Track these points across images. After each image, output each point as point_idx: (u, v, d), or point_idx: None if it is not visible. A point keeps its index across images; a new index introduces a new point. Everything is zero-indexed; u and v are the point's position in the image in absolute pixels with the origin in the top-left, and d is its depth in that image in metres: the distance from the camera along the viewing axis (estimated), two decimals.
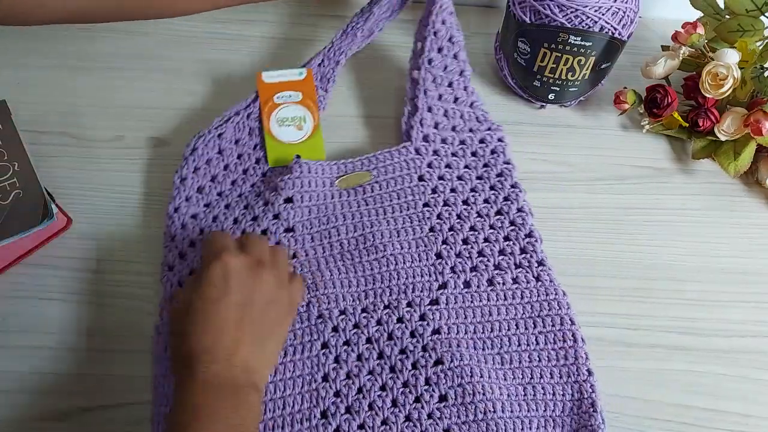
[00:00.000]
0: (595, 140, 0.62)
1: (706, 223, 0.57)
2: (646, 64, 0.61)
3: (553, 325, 0.48)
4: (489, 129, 0.59)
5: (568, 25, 0.54)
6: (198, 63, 0.65)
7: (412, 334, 0.47)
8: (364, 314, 0.48)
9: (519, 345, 0.48)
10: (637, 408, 0.47)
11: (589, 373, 0.46)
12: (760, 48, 0.58)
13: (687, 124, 0.60)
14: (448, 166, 0.56)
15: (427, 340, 0.47)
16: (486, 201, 0.54)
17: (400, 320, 0.48)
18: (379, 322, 0.48)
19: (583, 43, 0.55)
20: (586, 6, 0.53)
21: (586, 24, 0.54)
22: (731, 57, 0.56)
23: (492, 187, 0.55)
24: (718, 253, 0.55)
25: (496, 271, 0.51)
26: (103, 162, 0.57)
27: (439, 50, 0.58)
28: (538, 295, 0.49)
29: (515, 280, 0.50)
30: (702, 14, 0.62)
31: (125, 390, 0.46)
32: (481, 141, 0.58)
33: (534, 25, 0.56)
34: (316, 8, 0.71)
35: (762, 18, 0.57)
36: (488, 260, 0.51)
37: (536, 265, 0.51)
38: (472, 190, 0.55)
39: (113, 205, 0.55)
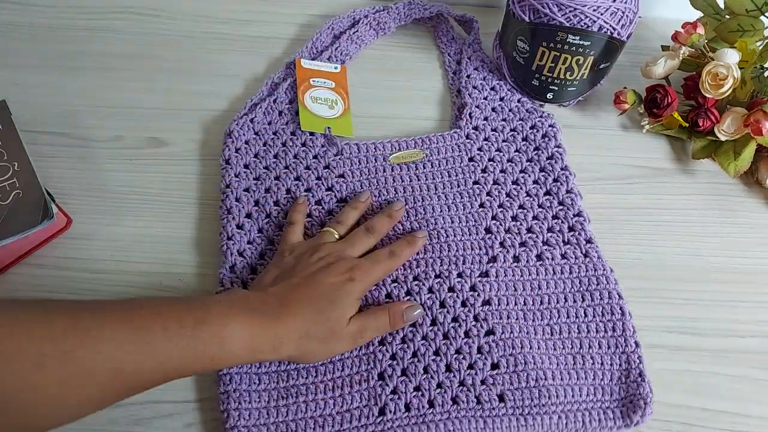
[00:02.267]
0: (595, 140, 0.62)
1: (705, 223, 0.57)
2: (646, 64, 0.61)
3: (601, 299, 0.50)
4: (541, 117, 0.60)
5: (567, 24, 0.54)
6: (198, 63, 0.65)
7: (464, 304, 0.49)
8: (416, 282, 0.50)
9: (568, 317, 0.49)
10: None
11: (637, 345, 0.48)
12: (760, 48, 0.58)
13: (687, 124, 0.60)
14: (498, 150, 0.58)
15: (478, 311, 0.49)
16: (535, 182, 0.56)
17: (451, 290, 0.50)
18: (430, 290, 0.50)
19: (581, 42, 0.55)
20: (585, 5, 0.53)
21: (585, 23, 0.54)
22: (731, 57, 0.56)
23: (542, 169, 0.57)
24: (718, 253, 0.55)
25: (545, 247, 0.52)
26: (103, 162, 0.57)
27: (475, 69, 0.64)
28: (587, 271, 0.51)
29: (563, 256, 0.52)
30: (702, 14, 0.62)
31: None
32: (533, 127, 0.60)
33: (533, 23, 0.56)
34: (315, 8, 0.71)
35: (762, 18, 0.57)
36: (537, 236, 0.53)
37: (584, 242, 0.53)
38: (522, 171, 0.57)
39: (113, 205, 0.55)
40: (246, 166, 0.55)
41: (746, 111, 0.57)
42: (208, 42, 0.67)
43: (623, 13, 0.55)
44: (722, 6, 0.60)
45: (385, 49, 0.69)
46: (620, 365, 0.47)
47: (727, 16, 0.59)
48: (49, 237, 0.52)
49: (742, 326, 0.51)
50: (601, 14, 0.54)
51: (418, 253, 0.51)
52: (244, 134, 0.57)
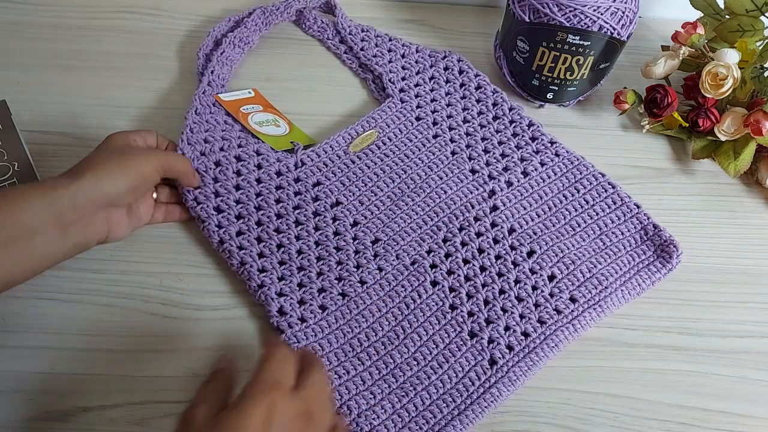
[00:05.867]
0: (595, 140, 0.62)
1: (705, 223, 0.57)
2: (646, 64, 0.61)
3: (590, 184, 0.55)
4: (444, 57, 0.64)
5: (567, 24, 0.55)
6: (197, 63, 0.65)
7: (495, 241, 0.52)
8: (446, 243, 0.52)
9: (576, 211, 0.54)
10: (637, 408, 0.47)
11: (638, 206, 0.54)
12: (760, 48, 0.58)
13: (687, 124, 0.60)
14: (433, 99, 0.61)
15: (511, 240, 0.52)
16: (480, 113, 0.60)
17: (478, 234, 0.53)
18: (463, 244, 0.52)
19: (581, 42, 0.55)
20: (585, 5, 0.53)
21: (585, 23, 0.54)
22: (731, 57, 0.56)
23: (478, 100, 0.61)
24: (717, 253, 0.55)
25: (524, 163, 0.57)
26: None
27: (362, 40, 0.66)
28: (566, 167, 0.57)
29: (542, 163, 0.57)
30: (702, 14, 0.62)
31: (125, 390, 0.46)
32: (446, 69, 0.63)
33: (533, 23, 0.56)
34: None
35: (762, 18, 0.57)
36: (513, 157, 0.57)
37: (550, 145, 0.58)
38: (464, 109, 0.60)
39: None
40: (238, 217, 0.52)
41: (746, 111, 0.57)
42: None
43: (623, 13, 0.55)
44: (722, 6, 0.60)
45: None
46: (635, 227, 0.53)
47: (727, 16, 0.59)
48: None
49: (741, 327, 0.51)
50: (601, 14, 0.54)
51: (432, 219, 0.53)
52: (208, 203, 0.53)
